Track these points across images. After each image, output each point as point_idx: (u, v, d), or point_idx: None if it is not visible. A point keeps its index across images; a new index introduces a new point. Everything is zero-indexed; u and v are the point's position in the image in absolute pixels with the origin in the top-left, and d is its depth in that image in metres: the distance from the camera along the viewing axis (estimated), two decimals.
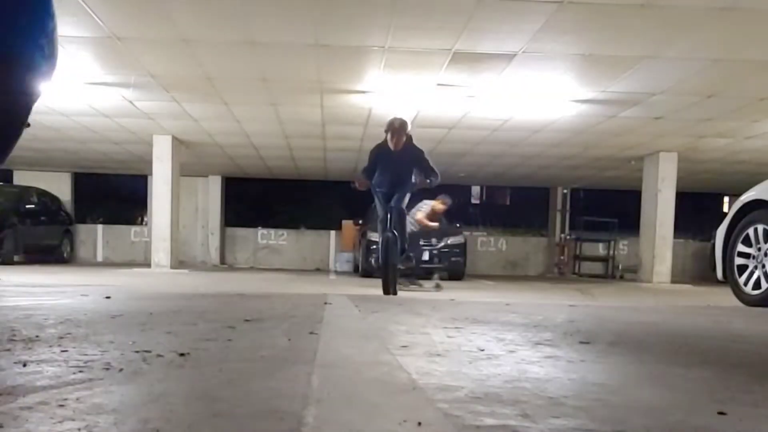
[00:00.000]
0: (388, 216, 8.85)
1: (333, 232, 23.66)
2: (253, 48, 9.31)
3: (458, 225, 17.48)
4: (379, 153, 9.01)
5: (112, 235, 23.62)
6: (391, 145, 8.69)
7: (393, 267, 8.69)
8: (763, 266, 6.40)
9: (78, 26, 8.55)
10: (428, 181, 8.92)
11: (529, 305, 5.84)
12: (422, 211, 12.56)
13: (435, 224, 12.87)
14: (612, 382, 2.18)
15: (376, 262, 9.53)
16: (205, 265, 21.60)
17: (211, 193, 23.93)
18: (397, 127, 8.65)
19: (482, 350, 2.77)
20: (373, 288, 7.78)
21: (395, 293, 8.32)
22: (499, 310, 4.89)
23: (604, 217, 22.41)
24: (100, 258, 23.27)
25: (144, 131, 15.31)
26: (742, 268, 6.70)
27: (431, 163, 8.97)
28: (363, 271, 16.13)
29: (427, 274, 15.96)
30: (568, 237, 23.27)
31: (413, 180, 9.01)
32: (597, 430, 1.53)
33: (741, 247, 6.71)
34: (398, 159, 8.79)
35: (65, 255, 20.58)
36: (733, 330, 4.04)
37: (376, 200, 9.08)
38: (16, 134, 2.46)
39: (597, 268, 21.96)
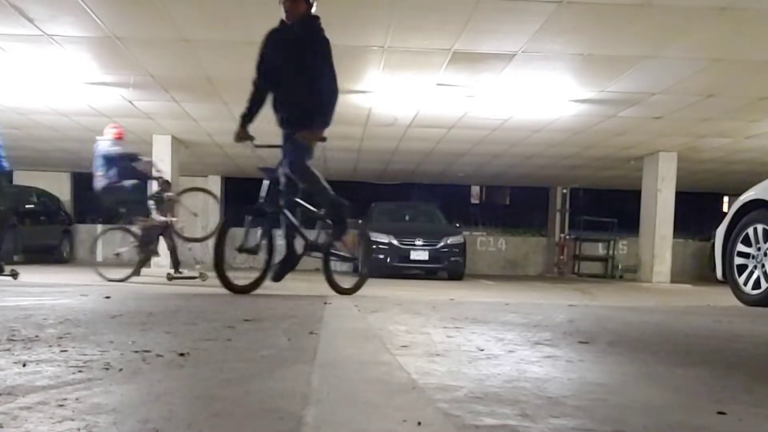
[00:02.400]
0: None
1: None
2: (252, 48, 9.30)
3: (458, 225, 17.49)
4: (270, 38, 6.27)
5: (111, 235, 23.53)
6: (283, 15, 6.03)
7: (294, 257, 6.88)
8: (763, 266, 6.40)
9: (77, 26, 8.54)
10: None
11: (529, 305, 5.85)
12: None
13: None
14: (611, 381, 2.18)
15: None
16: (204, 266, 21.53)
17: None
18: None
19: (482, 350, 2.77)
20: (373, 288, 7.77)
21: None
22: (498, 310, 4.89)
23: (604, 217, 22.41)
24: (99, 258, 23.18)
25: (143, 131, 15.29)
26: (742, 268, 6.70)
27: (325, 57, 5.89)
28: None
29: (428, 275, 15.99)
30: (567, 237, 23.28)
31: (324, 80, 5.85)
32: (596, 429, 1.53)
33: (741, 247, 6.71)
34: (292, 39, 5.96)
35: (65, 255, 20.49)
36: (733, 330, 4.05)
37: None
38: None
39: (596, 267, 21.95)
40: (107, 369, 2.12)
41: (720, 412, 1.73)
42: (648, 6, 7.49)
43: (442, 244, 15.55)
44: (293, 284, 7.03)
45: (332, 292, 6.97)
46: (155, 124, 14.62)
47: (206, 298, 5.66)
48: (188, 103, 12.61)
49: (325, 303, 5.22)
